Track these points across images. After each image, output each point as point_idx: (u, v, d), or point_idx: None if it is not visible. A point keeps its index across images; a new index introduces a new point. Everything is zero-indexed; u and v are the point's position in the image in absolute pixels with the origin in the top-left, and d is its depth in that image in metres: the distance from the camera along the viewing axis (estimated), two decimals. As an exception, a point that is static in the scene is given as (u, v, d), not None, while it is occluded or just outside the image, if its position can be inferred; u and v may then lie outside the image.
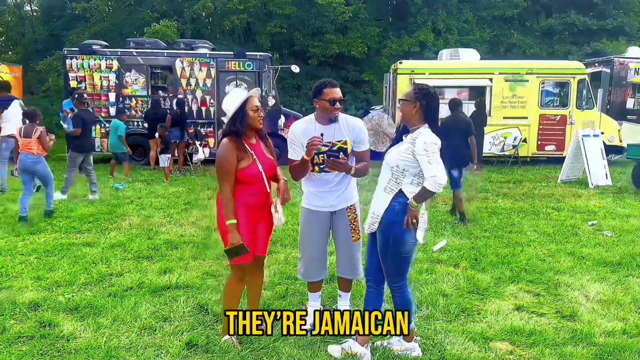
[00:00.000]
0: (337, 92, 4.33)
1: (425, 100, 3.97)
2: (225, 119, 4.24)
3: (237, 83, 15.57)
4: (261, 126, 4.22)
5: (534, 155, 16.46)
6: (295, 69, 15.80)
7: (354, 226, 4.60)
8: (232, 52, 16.09)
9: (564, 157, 15.47)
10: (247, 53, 15.96)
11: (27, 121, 8.65)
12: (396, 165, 3.98)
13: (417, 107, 3.97)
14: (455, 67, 16.20)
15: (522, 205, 10.01)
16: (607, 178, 12.54)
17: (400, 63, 16.22)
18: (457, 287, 5.68)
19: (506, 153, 16.24)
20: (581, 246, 7.22)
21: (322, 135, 4.31)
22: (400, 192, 3.96)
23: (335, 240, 4.70)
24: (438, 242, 7.23)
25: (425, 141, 3.84)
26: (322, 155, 4.37)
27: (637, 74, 18.87)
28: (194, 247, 7.07)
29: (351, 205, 4.59)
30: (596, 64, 19.26)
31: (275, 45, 27.11)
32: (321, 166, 4.42)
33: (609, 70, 18.93)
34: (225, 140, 4.12)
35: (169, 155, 13.23)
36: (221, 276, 5.91)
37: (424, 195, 3.85)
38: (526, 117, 16.20)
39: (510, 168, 15.45)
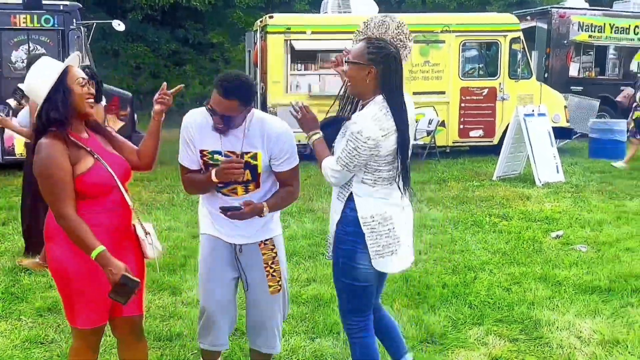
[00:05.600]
0: (223, 104, 4.04)
1: (383, 64, 4.02)
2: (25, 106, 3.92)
3: (30, 47, 14.77)
4: (93, 110, 3.97)
5: (456, 143, 17.10)
6: (119, 25, 15.33)
7: (271, 270, 4.46)
8: (20, 0, 15.25)
9: (495, 146, 16.28)
10: (44, 1, 15.17)
11: None
12: None
13: (372, 74, 4.03)
14: (346, 24, 16.27)
15: (458, 214, 10.30)
16: (558, 172, 13.23)
17: (271, 17, 16.21)
18: (403, 336, 5.61)
19: (419, 142, 16.67)
20: (552, 267, 7.53)
21: (242, 156, 4.20)
22: (351, 196, 4.13)
23: (245, 292, 4.54)
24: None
25: (352, 131, 3.99)
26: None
27: (582, 30, 20.14)
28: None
29: (267, 240, 4.46)
30: (528, 18, 20.41)
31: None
32: (219, 185, 4.29)
33: (545, 26, 20.12)
34: (44, 140, 3.76)
35: None
36: (53, 342, 5.58)
37: (316, 153, 4.27)
38: (443, 92, 16.75)
39: (426, 162, 15.88)
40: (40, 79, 3.81)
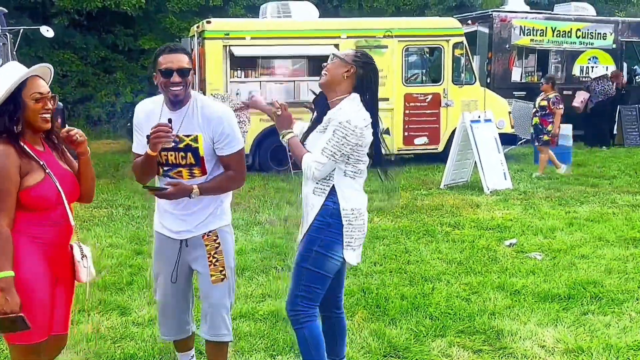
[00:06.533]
0: (177, 59, 4.42)
1: (364, 70, 4.54)
2: None
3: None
4: (48, 125, 4.03)
5: (400, 151, 17.25)
6: (47, 32, 15.09)
7: (214, 260, 4.70)
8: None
9: (440, 153, 16.54)
10: (-33, 8, 14.90)
11: None
12: None
13: (350, 72, 4.52)
14: (286, 29, 16.51)
15: (409, 224, 10.43)
16: (505, 179, 13.52)
17: (209, 23, 16.17)
18: (366, 350, 5.77)
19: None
20: (509, 276, 7.71)
21: (170, 121, 4.37)
22: (333, 190, 4.49)
23: (198, 285, 4.87)
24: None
25: (339, 121, 4.39)
26: (167, 152, 4.48)
27: (523, 34, 20.57)
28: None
29: (210, 232, 4.69)
30: (469, 22, 20.75)
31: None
32: (165, 168, 4.57)
33: (487, 30, 20.50)
34: None
35: None
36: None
37: (293, 151, 4.63)
38: (387, 99, 16.73)
39: (371, 171, 15.94)
40: None
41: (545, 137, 14.82)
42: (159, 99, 4.59)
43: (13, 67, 4.01)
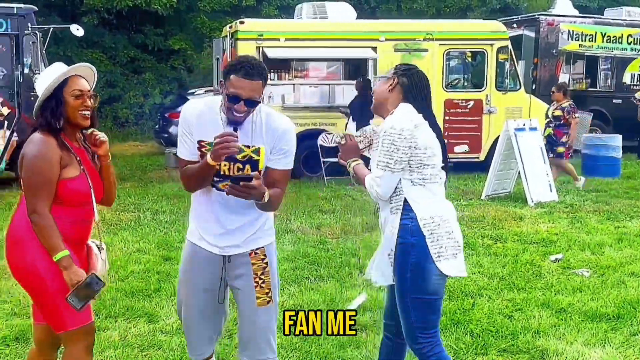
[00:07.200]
0: (249, 87, 4.10)
1: (407, 78, 4.53)
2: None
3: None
4: (87, 122, 4.24)
5: (440, 159, 17.08)
6: (77, 30, 15.23)
7: (260, 282, 4.49)
8: (-30, 3, 15.13)
9: (482, 162, 16.42)
10: (-5, 5, 15.08)
11: None
12: None
13: (394, 84, 4.53)
14: (322, 30, 16.50)
15: (448, 235, 10.34)
16: (551, 191, 13.38)
17: (242, 23, 16.20)
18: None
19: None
20: (555, 293, 7.63)
21: (235, 130, 4.16)
22: (407, 204, 4.39)
23: (236, 303, 4.62)
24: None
25: (384, 130, 4.39)
26: (223, 161, 4.18)
27: (572, 39, 20.41)
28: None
29: (258, 249, 4.50)
30: (514, 25, 20.62)
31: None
32: (215, 179, 4.26)
33: (533, 34, 20.36)
34: (38, 135, 4.13)
35: None
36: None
37: (358, 178, 4.66)
38: (427, 104, 16.74)
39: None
40: (42, 84, 4.15)
41: (560, 149, 14.62)
42: (214, 103, 4.36)
43: (57, 67, 4.26)
